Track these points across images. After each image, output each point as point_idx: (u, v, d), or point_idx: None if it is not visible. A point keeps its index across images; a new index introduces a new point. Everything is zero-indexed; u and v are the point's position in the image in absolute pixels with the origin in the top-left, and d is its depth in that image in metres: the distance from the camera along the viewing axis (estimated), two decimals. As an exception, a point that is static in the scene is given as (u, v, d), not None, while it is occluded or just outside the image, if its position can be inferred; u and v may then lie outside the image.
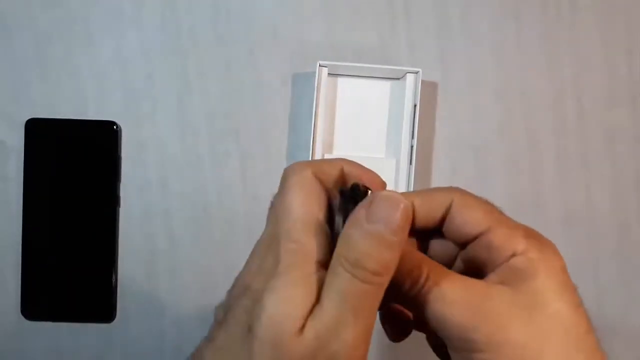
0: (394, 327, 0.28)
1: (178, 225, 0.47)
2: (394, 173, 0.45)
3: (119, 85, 0.47)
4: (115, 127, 0.46)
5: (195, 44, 0.47)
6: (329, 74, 0.45)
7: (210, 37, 0.47)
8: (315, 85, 0.44)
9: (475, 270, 0.25)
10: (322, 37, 0.47)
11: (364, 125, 0.47)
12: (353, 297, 0.21)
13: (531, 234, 0.24)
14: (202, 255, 0.47)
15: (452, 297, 0.22)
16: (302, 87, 0.47)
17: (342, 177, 0.25)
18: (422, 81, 0.44)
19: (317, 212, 0.23)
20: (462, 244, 0.25)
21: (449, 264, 0.26)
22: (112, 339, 0.46)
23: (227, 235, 0.47)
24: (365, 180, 0.24)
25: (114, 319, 0.46)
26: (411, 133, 0.44)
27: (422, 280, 0.23)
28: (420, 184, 0.46)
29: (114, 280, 0.46)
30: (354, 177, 0.25)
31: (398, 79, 0.46)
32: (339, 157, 0.26)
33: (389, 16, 0.47)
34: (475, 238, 0.24)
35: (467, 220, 0.24)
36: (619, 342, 0.47)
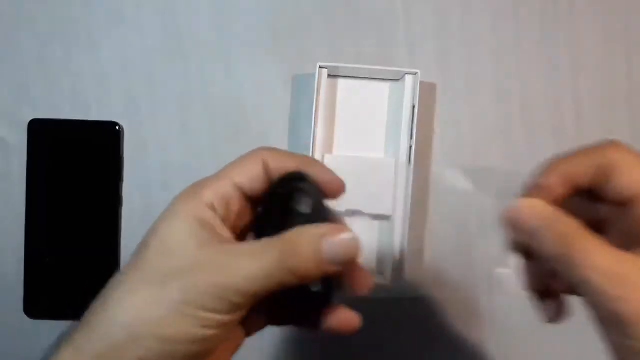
0: (548, 307, 0.29)
1: (179, 224, 0.47)
2: (393, 173, 0.45)
3: (121, 86, 0.47)
4: (117, 127, 0.47)
5: (196, 44, 0.47)
6: (328, 75, 0.45)
7: (210, 37, 0.47)
8: (315, 86, 0.44)
9: (633, 240, 0.24)
10: (322, 38, 0.47)
11: (363, 126, 0.47)
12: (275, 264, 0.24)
13: None
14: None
15: (597, 264, 0.22)
16: (302, 88, 0.47)
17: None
18: (421, 82, 0.44)
19: (235, 176, 0.27)
20: (620, 209, 0.24)
21: (604, 231, 0.25)
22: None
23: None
24: (325, 184, 0.27)
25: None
26: (410, 133, 0.44)
27: (569, 244, 0.23)
28: (420, 184, 0.46)
29: (116, 280, 0.46)
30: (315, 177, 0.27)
31: (397, 80, 0.46)
32: (305, 155, 0.29)
33: (388, 17, 0.47)
34: (633, 203, 0.24)
35: (624, 183, 0.24)
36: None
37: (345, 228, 0.25)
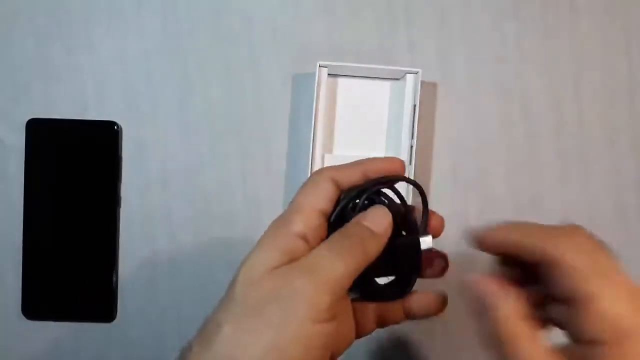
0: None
1: (178, 225, 0.47)
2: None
3: (120, 85, 0.47)
4: (115, 127, 0.46)
5: (196, 44, 0.47)
6: (329, 74, 0.45)
7: (210, 37, 0.47)
8: (315, 85, 0.44)
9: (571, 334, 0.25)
10: (322, 37, 0.47)
11: (363, 125, 0.47)
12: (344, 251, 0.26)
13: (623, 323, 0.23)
14: (203, 255, 0.47)
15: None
16: (302, 87, 0.47)
17: (365, 175, 0.30)
18: (422, 81, 0.44)
19: (316, 204, 0.28)
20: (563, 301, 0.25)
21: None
22: (113, 339, 0.46)
23: (227, 235, 0.47)
24: (388, 169, 0.30)
25: (114, 318, 0.46)
26: (411, 133, 0.44)
27: (505, 338, 0.25)
28: (420, 184, 0.46)
29: (114, 280, 0.46)
30: (379, 171, 0.30)
31: (398, 79, 0.46)
32: (356, 158, 0.30)
33: (388, 16, 0.47)
34: (571, 303, 0.24)
35: (561, 286, 0.24)
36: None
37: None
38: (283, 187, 0.47)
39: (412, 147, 0.44)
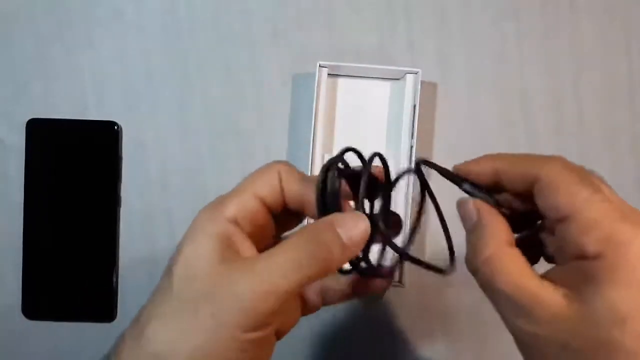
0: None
1: (178, 225, 0.47)
2: (393, 173, 0.45)
3: (120, 85, 0.47)
4: (115, 127, 0.46)
5: (196, 44, 0.47)
6: (328, 74, 0.45)
7: (210, 37, 0.47)
8: (315, 85, 0.44)
9: (559, 255, 0.24)
10: (322, 37, 0.47)
11: (363, 125, 0.47)
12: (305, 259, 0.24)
13: (616, 232, 0.21)
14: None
15: (499, 287, 0.23)
16: (302, 87, 0.47)
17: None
18: (422, 81, 0.44)
19: (256, 189, 0.26)
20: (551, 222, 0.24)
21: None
22: (113, 339, 0.46)
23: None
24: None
25: (114, 318, 0.46)
26: (411, 133, 0.44)
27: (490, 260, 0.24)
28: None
29: (114, 280, 0.46)
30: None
31: (398, 79, 0.46)
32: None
33: (388, 16, 0.47)
34: (560, 223, 0.23)
35: (547, 204, 0.23)
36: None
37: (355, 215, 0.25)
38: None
39: (412, 147, 0.44)
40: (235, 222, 0.25)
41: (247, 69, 0.47)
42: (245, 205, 0.26)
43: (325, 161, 0.45)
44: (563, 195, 0.23)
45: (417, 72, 0.44)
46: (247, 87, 0.47)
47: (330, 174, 0.25)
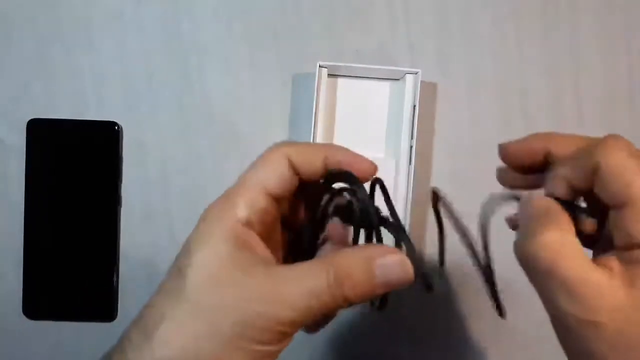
0: None
1: (179, 224, 0.47)
2: (393, 173, 0.45)
3: (120, 85, 0.47)
4: (116, 127, 0.46)
5: (196, 44, 0.47)
6: (328, 74, 0.45)
7: (210, 37, 0.47)
8: (315, 85, 0.44)
9: (608, 243, 0.24)
10: (322, 37, 0.47)
11: (363, 125, 0.47)
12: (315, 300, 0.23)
13: None
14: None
15: (561, 273, 0.22)
16: (302, 87, 0.47)
17: (326, 163, 0.26)
18: (422, 82, 0.44)
19: (264, 183, 0.25)
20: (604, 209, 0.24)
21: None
22: (114, 338, 0.46)
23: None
24: (354, 169, 0.26)
25: (115, 318, 0.46)
26: (411, 133, 0.44)
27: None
28: (420, 184, 0.46)
29: (115, 280, 0.46)
30: (343, 165, 0.26)
31: (397, 79, 0.46)
32: (327, 143, 0.27)
33: (388, 17, 0.47)
34: (613, 210, 0.23)
35: (605, 191, 0.23)
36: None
37: (392, 250, 0.24)
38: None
39: (411, 147, 0.44)
40: (249, 223, 0.24)
41: (247, 69, 0.47)
42: (257, 205, 0.25)
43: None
44: (621, 183, 0.23)
45: (417, 72, 0.44)
46: (247, 87, 0.47)
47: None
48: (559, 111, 0.48)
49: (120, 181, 0.47)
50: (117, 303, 0.46)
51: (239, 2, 0.47)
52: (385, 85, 0.47)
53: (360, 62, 0.46)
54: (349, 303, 0.24)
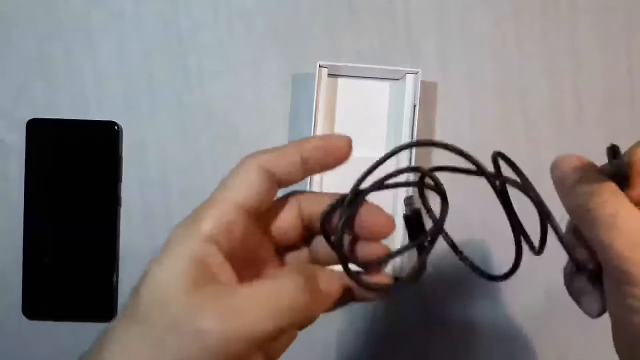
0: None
1: (178, 225, 0.47)
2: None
3: (120, 85, 0.47)
4: (116, 127, 0.46)
5: (196, 44, 0.47)
6: (328, 74, 0.45)
7: (210, 37, 0.47)
8: (315, 85, 0.44)
9: None
10: (322, 37, 0.47)
11: (363, 125, 0.47)
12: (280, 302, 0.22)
13: None
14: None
15: (624, 227, 0.22)
16: (302, 87, 0.47)
17: (303, 159, 0.25)
18: (422, 81, 0.44)
19: (235, 197, 0.24)
20: None
21: None
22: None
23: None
24: (331, 150, 0.26)
25: (114, 318, 0.46)
26: (411, 133, 0.44)
27: (600, 200, 0.23)
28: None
29: (114, 280, 0.46)
30: (319, 150, 0.26)
31: (398, 79, 0.46)
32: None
33: (388, 16, 0.47)
34: None
35: None
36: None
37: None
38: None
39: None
40: (213, 240, 0.23)
41: (247, 69, 0.47)
42: (223, 219, 0.23)
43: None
44: None
45: (417, 72, 0.44)
46: (247, 87, 0.47)
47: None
48: (559, 111, 0.48)
49: (120, 181, 0.47)
50: (117, 303, 0.46)
51: (239, 2, 0.47)
52: (386, 85, 0.47)
53: (360, 62, 0.46)
54: (311, 319, 0.23)
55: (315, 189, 0.44)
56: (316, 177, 0.44)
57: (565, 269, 0.28)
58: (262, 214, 0.25)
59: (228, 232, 0.23)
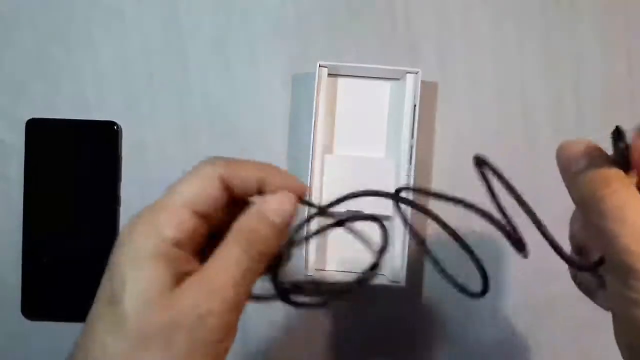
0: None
1: (178, 225, 0.47)
2: (393, 173, 0.45)
3: (120, 85, 0.47)
4: (115, 127, 0.46)
5: (195, 44, 0.47)
6: (328, 74, 0.45)
7: (210, 36, 0.47)
8: (315, 85, 0.44)
9: None
10: (322, 37, 0.47)
11: (364, 125, 0.47)
12: (240, 267, 0.24)
13: None
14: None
15: (630, 219, 0.22)
16: (302, 87, 0.47)
17: (261, 184, 0.26)
18: (422, 81, 0.44)
19: (191, 202, 0.25)
20: None
21: None
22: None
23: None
24: (290, 191, 0.26)
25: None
26: (411, 133, 0.44)
27: (607, 190, 0.23)
28: (420, 184, 0.46)
29: (114, 280, 0.46)
30: (279, 187, 0.26)
31: (398, 79, 0.46)
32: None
33: (389, 16, 0.47)
34: None
35: None
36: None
37: (273, 195, 0.26)
38: (283, 187, 0.47)
39: (412, 147, 0.44)
40: (178, 244, 0.24)
41: (247, 69, 0.47)
42: (185, 224, 0.24)
43: (325, 161, 0.45)
44: None
45: (417, 72, 0.44)
46: (247, 87, 0.47)
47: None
48: (559, 111, 0.48)
49: (120, 181, 0.47)
50: (117, 303, 0.46)
51: (239, 2, 0.47)
52: (386, 85, 0.47)
53: (360, 62, 0.46)
54: (267, 257, 0.25)
55: (316, 189, 0.44)
56: (316, 178, 0.44)
57: (569, 267, 0.28)
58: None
59: (191, 237, 0.24)
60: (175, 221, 0.24)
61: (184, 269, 0.24)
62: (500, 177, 0.26)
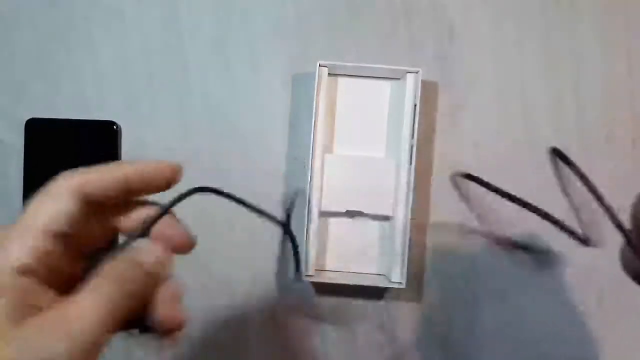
0: None
1: (178, 225, 0.47)
2: (394, 173, 0.45)
3: (120, 85, 0.47)
4: (115, 127, 0.46)
5: (195, 44, 0.47)
6: (329, 74, 0.45)
7: (210, 37, 0.47)
8: (315, 85, 0.44)
9: None
10: (322, 37, 0.47)
11: (364, 125, 0.47)
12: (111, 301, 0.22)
13: None
14: (202, 255, 0.47)
15: None
16: (302, 87, 0.47)
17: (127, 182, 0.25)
18: (422, 81, 0.44)
19: (46, 223, 0.23)
20: None
21: None
22: (113, 338, 0.46)
23: (226, 234, 0.47)
24: (159, 177, 0.27)
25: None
26: (411, 133, 0.44)
27: None
28: (421, 184, 0.46)
29: (114, 280, 0.46)
30: (146, 176, 0.26)
31: (398, 78, 0.46)
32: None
33: (389, 16, 0.47)
34: None
35: None
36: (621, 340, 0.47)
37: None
38: (283, 187, 0.47)
39: (412, 146, 0.44)
40: (28, 271, 0.22)
41: (247, 69, 0.47)
42: (37, 249, 0.22)
43: (325, 161, 0.45)
44: None
45: (418, 71, 0.44)
46: (247, 87, 0.47)
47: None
48: (559, 111, 0.48)
49: (120, 181, 0.47)
50: (117, 303, 0.46)
51: (239, 2, 0.47)
52: (386, 85, 0.47)
53: (360, 61, 0.46)
54: (135, 300, 0.24)
55: (316, 189, 0.44)
56: (316, 178, 0.44)
57: (622, 251, 0.28)
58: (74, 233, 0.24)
59: (47, 260, 0.22)
60: (25, 247, 0.22)
61: (33, 301, 0.21)
62: (574, 167, 0.29)
